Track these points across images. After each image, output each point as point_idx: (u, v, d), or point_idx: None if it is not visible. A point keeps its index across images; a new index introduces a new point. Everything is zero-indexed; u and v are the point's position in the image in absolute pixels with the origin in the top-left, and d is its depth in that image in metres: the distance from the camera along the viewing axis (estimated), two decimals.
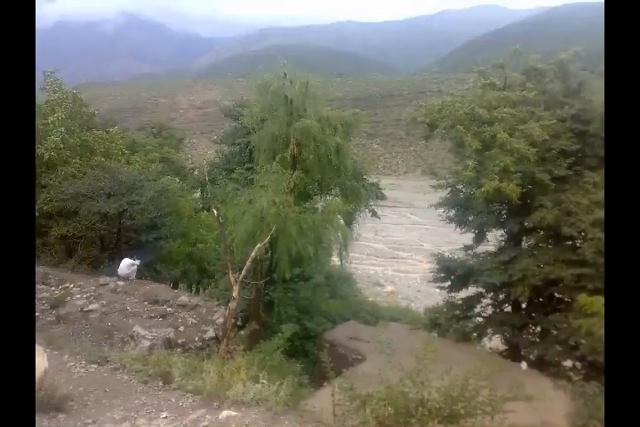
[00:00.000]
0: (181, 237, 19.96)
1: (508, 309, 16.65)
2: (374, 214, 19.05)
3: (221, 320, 11.10)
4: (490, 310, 16.91)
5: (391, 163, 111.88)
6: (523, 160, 14.13)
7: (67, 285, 12.90)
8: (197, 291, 14.33)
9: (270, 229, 12.26)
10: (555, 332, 14.88)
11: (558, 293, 15.25)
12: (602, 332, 4.78)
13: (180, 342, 10.69)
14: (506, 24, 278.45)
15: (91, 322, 11.10)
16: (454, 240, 25.28)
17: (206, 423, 5.21)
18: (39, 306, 11.32)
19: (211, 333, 11.27)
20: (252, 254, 9.83)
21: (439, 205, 17.13)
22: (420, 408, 4.82)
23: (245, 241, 13.70)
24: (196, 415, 5.40)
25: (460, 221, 16.87)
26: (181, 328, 11.33)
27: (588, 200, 13.57)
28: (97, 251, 17.06)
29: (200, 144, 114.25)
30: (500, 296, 16.61)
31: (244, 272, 9.66)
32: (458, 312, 16.86)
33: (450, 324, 16.27)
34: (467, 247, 17.20)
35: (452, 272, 16.94)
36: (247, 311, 15.52)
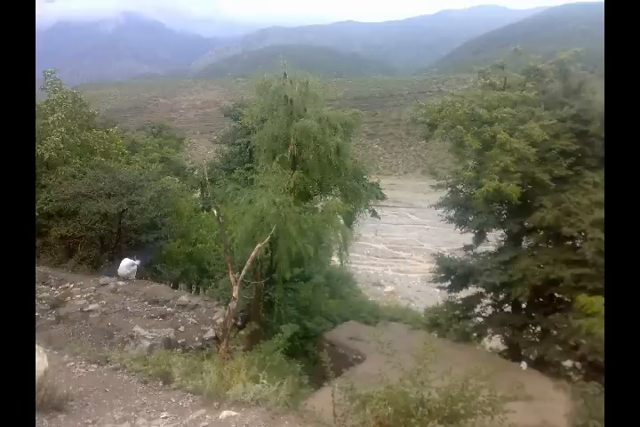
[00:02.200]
0: (181, 237, 19.95)
1: (508, 309, 16.62)
2: (374, 214, 19.01)
3: (221, 320, 11.11)
4: (490, 310, 16.88)
5: (391, 163, 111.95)
6: (523, 160, 14.11)
7: (67, 285, 12.93)
8: (197, 291, 14.39)
9: (270, 229, 12.24)
10: (555, 332, 14.86)
11: (558, 293, 15.23)
12: (602, 332, 4.78)
13: (180, 342, 10.71)
14: (506, 24, 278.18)
15: (91, 322, 11.11)
16: (454, 240, 25.22)
17: (206, 423, 5.21)
18: (39, 306, 11.34)
19: (211, 333, 11.28)
20: (252, 254, 9.82)
21: (439, 205, 17.09)
22: (420, 408, 4.82)
23: (245, 241, 13.69)
24: (195, 415, 5.40)
25: (460, 221, 16.85)
26: (181, 328, 11.35)
27: (588, 200, 13.55)
28: (97, 251, 17.06)
29: (200, 144, 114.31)
30: (500, 296, 16.59)
31: (243, 272, 9.65)
32: (458, 312, 16.85)
33: (450, 324, 16.25)
34: (467, 247, 17.17)
35: (452, 272, 16.92)
36: (247, 311, 15.51)
